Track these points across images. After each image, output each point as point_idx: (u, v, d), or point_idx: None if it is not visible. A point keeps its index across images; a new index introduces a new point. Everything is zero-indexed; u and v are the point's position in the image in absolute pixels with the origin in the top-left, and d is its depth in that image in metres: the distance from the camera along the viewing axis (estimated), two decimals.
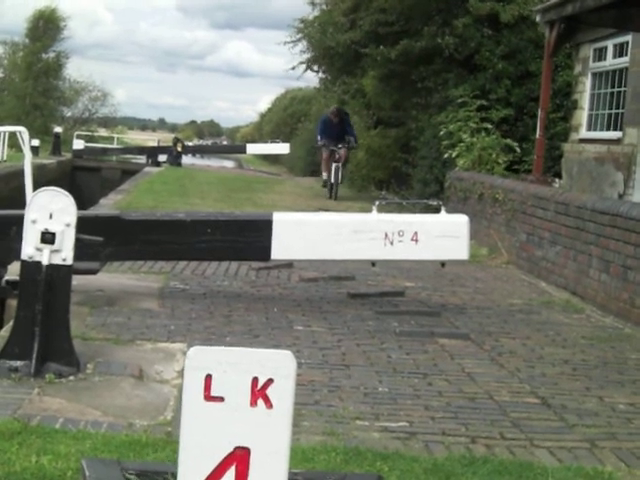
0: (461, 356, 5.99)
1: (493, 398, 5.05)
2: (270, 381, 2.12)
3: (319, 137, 19.03)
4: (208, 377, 2.11)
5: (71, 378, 4.89)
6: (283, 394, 2.12)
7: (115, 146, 39.94)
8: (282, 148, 34.11)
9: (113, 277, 7.92)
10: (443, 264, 7.56)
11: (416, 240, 7.09)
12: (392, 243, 7.08)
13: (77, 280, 5.53)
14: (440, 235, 7.11)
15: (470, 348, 6.26)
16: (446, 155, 14.71)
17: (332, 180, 18.37)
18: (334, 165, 18.24)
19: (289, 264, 8.96)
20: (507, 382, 5.41)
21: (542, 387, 5.33)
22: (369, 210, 7.54)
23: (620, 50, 13.20)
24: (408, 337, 6.44)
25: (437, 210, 7.64)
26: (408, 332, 6.57)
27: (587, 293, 8.42)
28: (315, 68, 22.81)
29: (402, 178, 20.50)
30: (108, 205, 14.25)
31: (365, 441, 4.16)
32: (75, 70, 56.11)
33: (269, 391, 2.12)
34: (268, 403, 2.12)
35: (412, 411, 4.72)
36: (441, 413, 4.71)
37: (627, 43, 12.83)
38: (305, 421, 4.29)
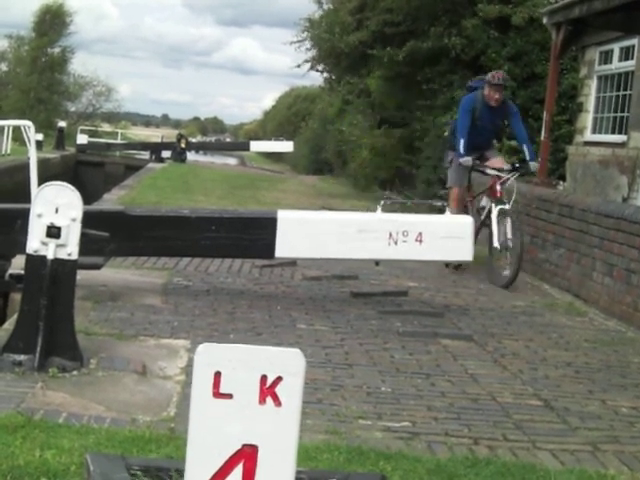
0: (464, 357, 5.98)
1: (496, 400, 5.05)
2: (279, 379, 2.12)
3: (461, 145, 9.11)
4: (217, 374, 2.11)
5: (74, 373, 4.89)
6: (292, 392, 2.12)
7: (118, 141, 40.03)
8: (286, 146, 34.20)
9: (116, 272, 7.92)
10: (447, 265, 7.55)
11: (420, 240, 7.09)
12: (396, 243, 7.08)
13: (80, 275, 5.53)
14: (444, 236, 7.11)
15: (473, 349, 6.26)
16: None
17: (501, 243, 8.79)
18: (496, 209, 8.91)
19: (292, 262, 8.96)
20: (510, 384, 5.41)
21: (545, 389, 5.33)
22: (372, 209, 7.54)
23: (626, 53, 13.20)
24: (411, 337, 6.44)
25: (441, 211, 7.64)
26: (411, 332, 6.57)
27: (590, 296, 8.42)
28: (320, 68, 22.88)
29: (405, 178, 20.53)
30: (112, 200, 14.26)
31: (368, 440, 4.16)
32: (80, 65, 56.16)
33: (278, 389, 2.12)
34: (277, 401, 2.12)
35: (415, 411, 4.71)
36: (444, 414, 4.71)
37: (633, 47, 12.83)
38: (308, 419, 4.28)
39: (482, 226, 9.25)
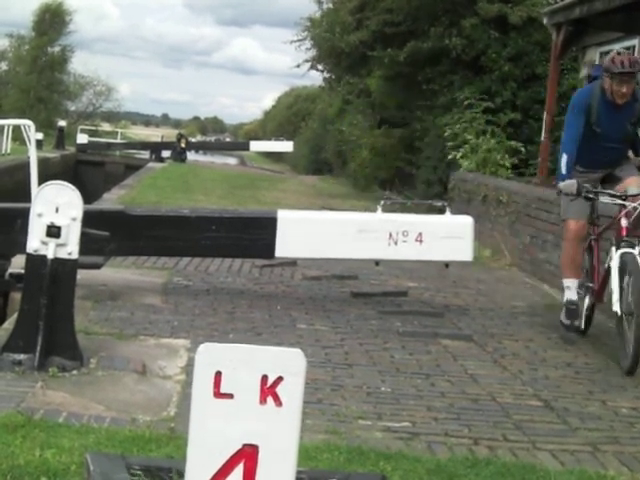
0: (464, 357, 5.98)
1: (496, 400, 5.05)
2: (280, 379, 2.12)
3: (563, 163, 6.42)
4: (218, 374, 2.11)
5: (74, 372, 4.89)
6: (293, 392, 2.12)
7: (119, 141, 40.06)
8: (286, 146, 34.23)
9: (116, 272, 7.92)
10: (447, 265, 7.55)
11: (420, 241, 7.09)
12: (396, 243, 7.08)
13: (80, 274, 5.52)
14: (444, 236, 7.11)
15: (473, 350, 6.26)
16: (450, 156, 14.72)
17: (622, 305, 5.85)
18: (617, 255, 6.04)
19: (293, 262, 8.95)
20: (510, 384, 5.41)
21: (545, 390, 5.33)
22: (372, 209, 7.54)
23: None
24: (411, 337, 6.44)
25: (441, 211, 7.64)
26: (411, 332, 6.56)
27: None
28: (320, 67, 22.89)
29: (405, 178, 20.53)
30: (111, 200, 14.26)
31: (368, 441, 4.16)
32: (81, 64, 56.12)
33: (279, 389, 2.12)
34: (277, 401, 2.12)
35: (415, 411, 4.71)
36: (444, 414, 4.71)
37: (634, 47, 12.83)
38: (308, 419, 4.28)
39: (594, 268, 6.61)
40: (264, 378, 2.11)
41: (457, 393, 5.12)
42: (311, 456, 3.78)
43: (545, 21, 12.41)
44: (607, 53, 13.57)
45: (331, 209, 13.40)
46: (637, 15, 10.78)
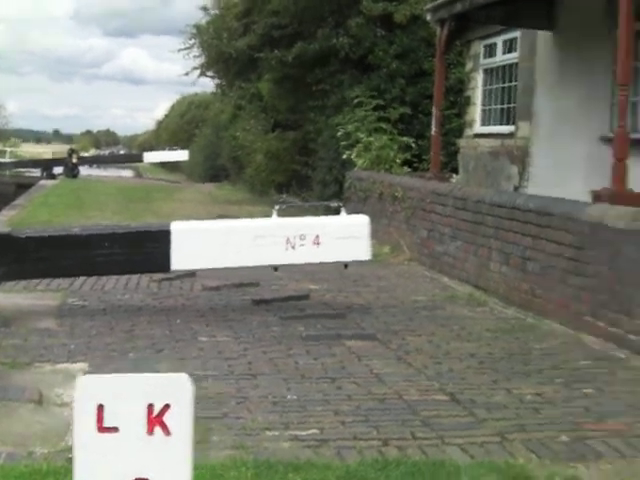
0: (368, 357, 5.96)
1: (402, 398, 5.04)
2: (167, 407, 2.01)
3: None
4: (100, 407, 1.99)
5: None
6: (181, 419, 2.01)
7: (8, 160, 38.89)
8: (180, 155, 33.82)
9: (7, 297, 7.61)
10: (346, 265, 7.54)
11: (318, 243, 7.05)
12: (294, 247, 7.02)
13: None
14: (341, 237, 7.09)
15: (377, 348, 6.24)
16: (344, 156, 14.76)
17: None
18: None
19: (192, 273, 8.79)
20: (415, 380, 5.41)
21: (450, 383, 5.35)
22: (269, 214, 7.46)
23: (509, 46, 13.48)
24: (315, 341, 6.38)
25: (337, 212, 7.62)
26: (314, 336, 6.51)
27: (489, 286, 8.53)
28: (210, 74, 22.71)
29: (302, 180, 20.49)
30: (1, 222, 13.78)
31: (276, 452, 4.07)
32: None
33: (166, 417, 2.01)
34: (166, 430, 2.01)
35: (322, 417, 4.65)
36: (351, 417, 4.66)
37: (516, 39, 13.12)
38: (214, 436, 4.17)
39: None
40: (150, 407, 2.00)
41: (364, 394, 5.09)
42: (217, 474, 3.68)
43: (428, 17, 12.53)
44: (490, 46, 13.91)
45: (227, 217, 13.25)
46: (516, 8, 11.01)
